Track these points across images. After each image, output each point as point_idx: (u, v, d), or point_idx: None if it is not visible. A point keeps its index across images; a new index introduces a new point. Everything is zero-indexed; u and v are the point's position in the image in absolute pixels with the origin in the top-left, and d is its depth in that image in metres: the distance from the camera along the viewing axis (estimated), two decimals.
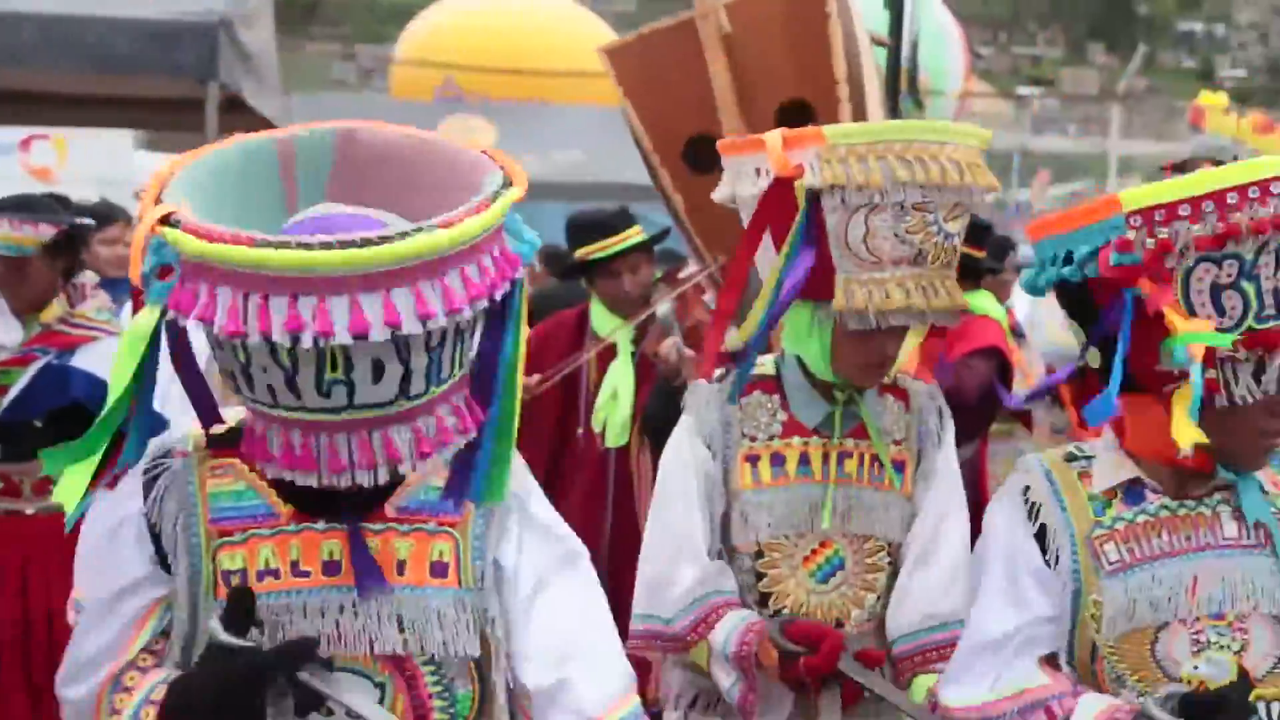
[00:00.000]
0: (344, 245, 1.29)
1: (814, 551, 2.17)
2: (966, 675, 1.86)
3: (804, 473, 2.17)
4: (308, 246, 1.29)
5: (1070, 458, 1.86)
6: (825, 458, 2.17)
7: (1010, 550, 1.84)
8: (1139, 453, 1.80)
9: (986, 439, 4.59)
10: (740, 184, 2.14)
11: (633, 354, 3.86)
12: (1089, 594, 1.78)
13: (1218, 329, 1.66)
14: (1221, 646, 1.75)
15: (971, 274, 4.09)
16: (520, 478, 1.63)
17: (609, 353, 3.86)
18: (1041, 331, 5.65)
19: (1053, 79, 60.88)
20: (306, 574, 1.53)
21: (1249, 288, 1.65)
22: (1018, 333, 5.09)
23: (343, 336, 1.29)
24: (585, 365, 3.90)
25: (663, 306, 3.76)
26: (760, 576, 2.19)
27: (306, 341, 1.29)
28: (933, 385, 2.31)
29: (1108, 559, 1.78)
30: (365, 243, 1.29)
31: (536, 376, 3.73)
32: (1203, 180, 1.68)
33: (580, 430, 3.92)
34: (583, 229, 3.94)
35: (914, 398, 2.26)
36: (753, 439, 2.19)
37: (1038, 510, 1.82)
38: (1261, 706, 1.71)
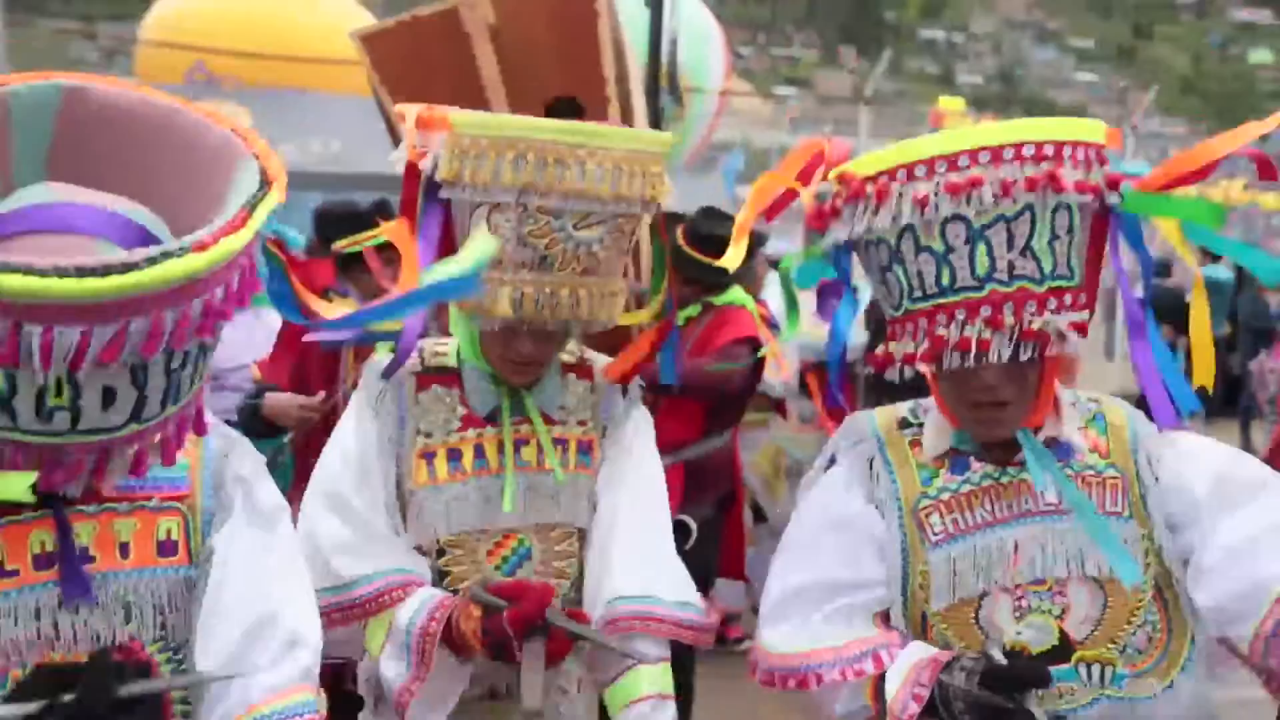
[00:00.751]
0: (82, 273, 1.15)
1: (498, 545, 2.08)
2: (789, 623, 1.86)
3: (481, 465, 2.08)
4: (40, 273, 1.14)
5: (904, 424, 1.91)
6: (501, 447, 2.08)
7: (848, 513, 1.87)
8: (947, 418, 1.87)
9: (738, 427, 4.74)
10: (399, 157, 2.06)
11: (394, 350, 3.78)
12: (916, 564, 1.83)
13: (891, 306, 1.79)
14: (1043, 611, 1.80)
15: (714, 279, 4.24)
16: (249, 462, 1.56)
17: (367, 351, 3.78)
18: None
19: (809, 80, 63.06)
20: (14, 573, 1.41)
21: (899, 270, 1.75)
22: (771, 325, 5.27)
23: (60, 368, 1.19)
24: (343, 365, 3.81)
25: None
26: (444, 575, 2.08)
27: (28, 371, 1.18)
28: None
29: (932, 530, 1.84)
30: (106, 270, 1.16)
31: (320, 395, 3.61)
32: (857, 168, 1.78)
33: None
34: (337, 221, 3.86)
35: (599, 378, 2.18)
36: (428, 435, 2.09)
37: (877, 479, 1.87)
38: (1083, 668, 1.77)
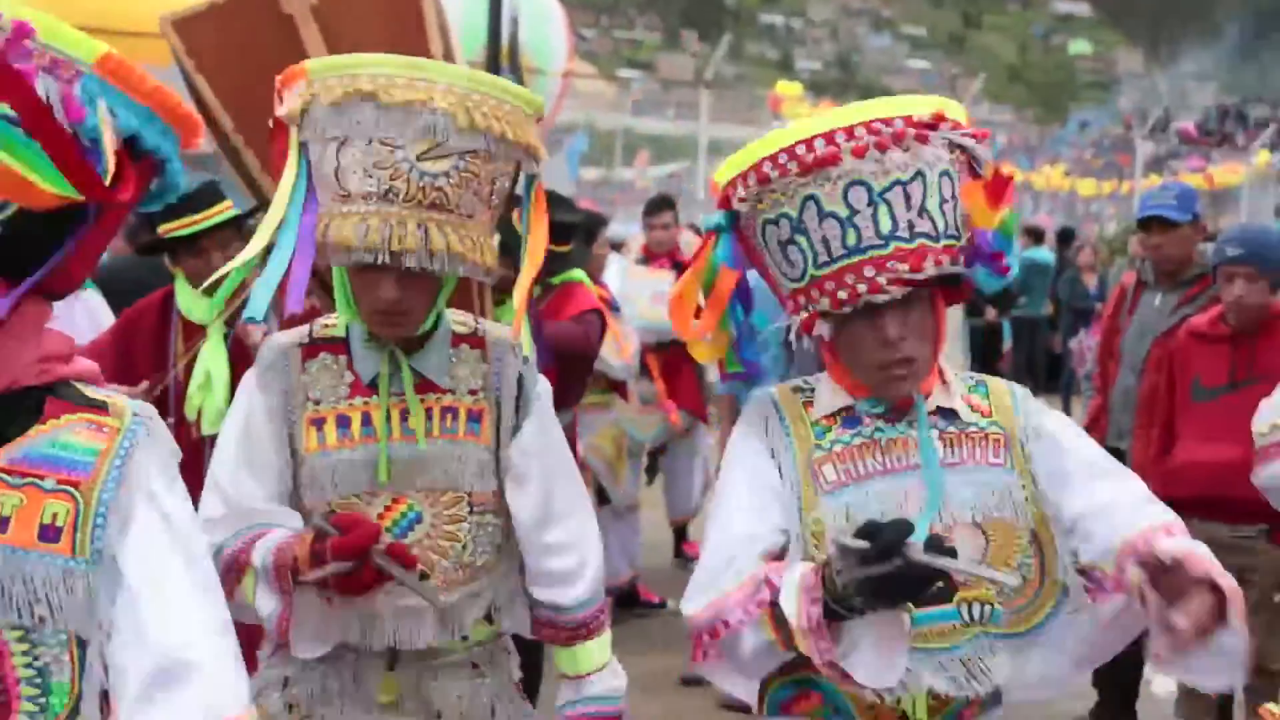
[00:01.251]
0: None
1: (387, 509, 2.10)
2: (705, 579, 1.90)
3: (368, 432, 2.10)
4: None
5: (796, 389, 2.01)
6: (388, 414, 2.11)
7: (753, 469, 1.95)
8: (841, 384, 1.97)
9: (577, 409, 4.75)
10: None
11: (226, 335, 3.68)
12: (809, 513, 1.91)
13: (791, 280, 1.90)
14: None
15: (548, 264, 4.26)
16: (161, 464, 1.46)
17: (194, 334, 3.67)
18: (633, 307, 5.91)
19: (651, 63, 63.45)
20: None
21: (803, 240, 1.86)
22: (612, 306, 5.30)
23: None
24: (172, 351, 3.69)
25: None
26: None
27: None
28: (508, 338, 2.24)
29: (825, 479, 1.92)
30: None
31: (143, 385, 3.48)
32: (751, 152, 1.89)
33: (170, 419, 3.71)
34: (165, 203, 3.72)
35: (492, 346, 2.20)
36: (317, 403, 2.11)
37: (773, 435, 1.96)
38: (964, 607, 1.88)
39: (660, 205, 6.53)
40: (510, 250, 4.56)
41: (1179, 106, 45.44)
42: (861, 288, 1.82)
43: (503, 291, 4.31)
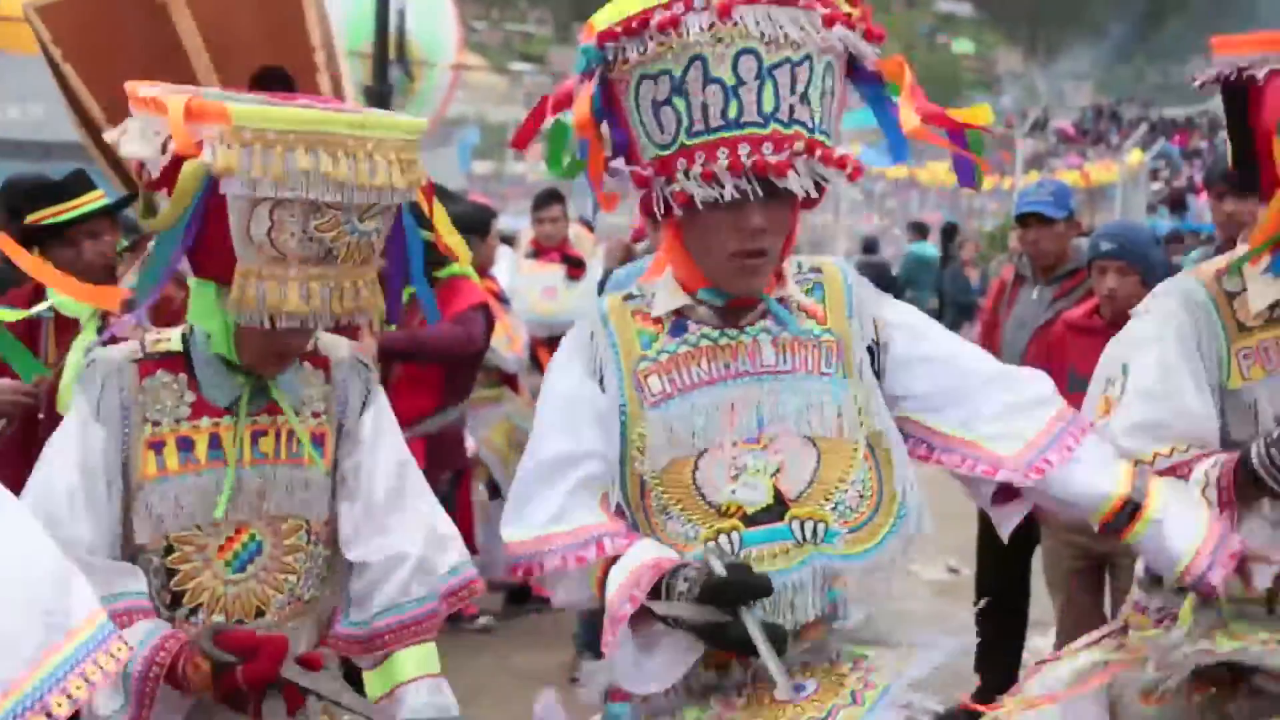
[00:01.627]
0: None
1: (229, 539, 2.00)
2: (525, 507, 1.86)
3: (215, 456, 2.00)
4: None
5: (629, 296, 1.93)
6: (237, 438, 2.01)
7: (569, 389, 1.88)
8: (682, 282, 1.89)
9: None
10: (143, 144, 1.91)
11: (99, 330, 3.57)
12: (634, 427, 1.84)
13: (658, 144, 1.79)
14: (757, 470, 1.82)
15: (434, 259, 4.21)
16: None
17: (67, 330, 3.55)
18: (523, 301, 5.88)
19: (543, 56, 63.24)
20: None
21: (679, 102, 1.76)
22: (502, 299, 5.27)
23: None
24: (44, 344, 3.56)
25: (130, 279, 3.50)
26: (171, 574, 1.99)
27: None
28: (357, 353, 2.17)
29: (650, 391, 1.85)
30: None
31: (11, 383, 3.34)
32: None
33: (41, 416, 3.58)
34: (32, 193, 3.58)
35: (335, 368, 2.13)
36: (156, 424, 1.99)
37: (598, 348, 1.88)
38: (796, 525, 1.80)
39: (549, 199, 6.50)
40: None
41: (1057, 106, 46.78)
42: (746, 161, 1.72)
43: None
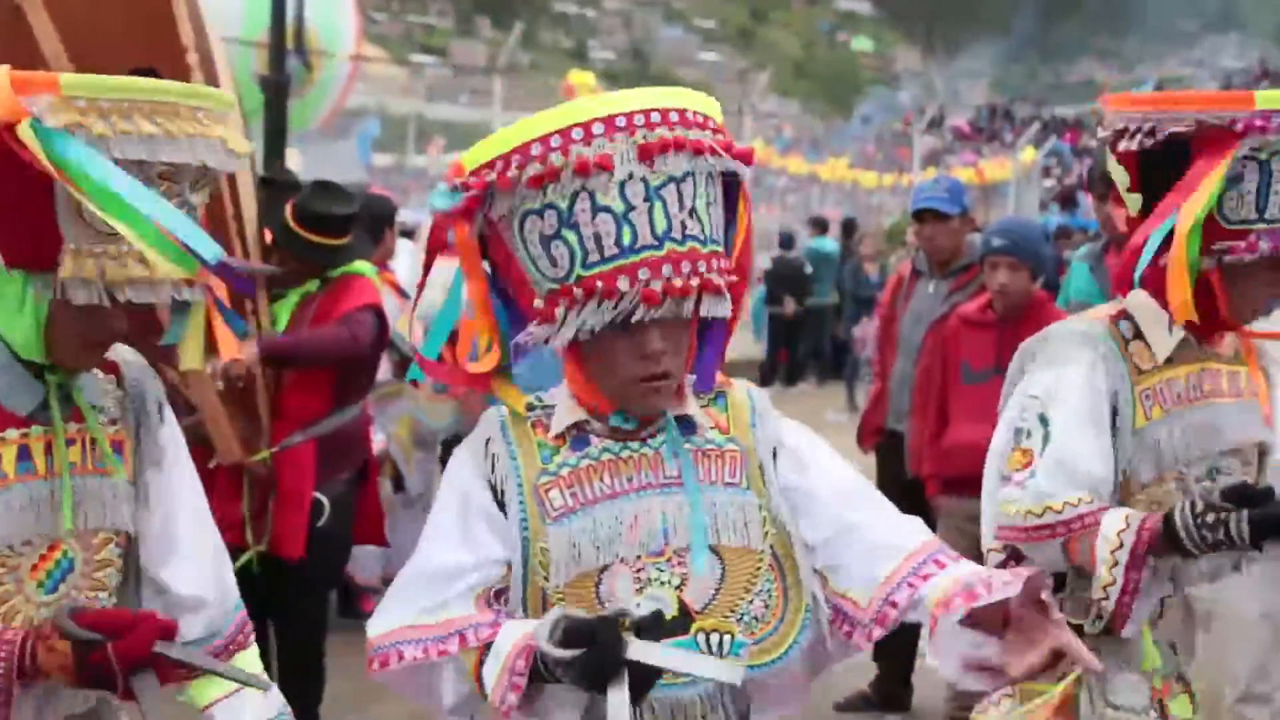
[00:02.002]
0: None
1: (42, 558, 1.87)
2: (396, 603, 1.83)
3: (26, 469, 1.86)
4: None
5: (530, 407, 1.89)
6: (49, 449, 1.88)
7: (465, 493, 1.85)
8: (581, 400, 1.86)
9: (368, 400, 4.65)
10: None
11: None
12: (536, 542, 1.81)
13: (551, 279, 1.76)
14: (662, 582, 1.82)
15: (326, 259, 4.14)
16: None
17: None
18: (426, 295, 5.83)
19: (444, 49, 62.64)
20: None
21: (571, 236, 1.75)
22: (403, 292, 5.21)
23: None
24: None
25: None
26: None
27: None
28: (143, 361, 2.07)
29: (551, 505, 1.82)
30: None
31: None
32: (516, 132, 1.76)
33: None
34: None
35: (126, 372, 2.01)
36: None
37: (495, 460, 1.85)
38: (702, 638, 1.75)
39: None
40: (287, 245, 4.38)
41: (953, 104, 47.68)
42: (655, 286, 1.72)
43: (283, 286, 4.17)
